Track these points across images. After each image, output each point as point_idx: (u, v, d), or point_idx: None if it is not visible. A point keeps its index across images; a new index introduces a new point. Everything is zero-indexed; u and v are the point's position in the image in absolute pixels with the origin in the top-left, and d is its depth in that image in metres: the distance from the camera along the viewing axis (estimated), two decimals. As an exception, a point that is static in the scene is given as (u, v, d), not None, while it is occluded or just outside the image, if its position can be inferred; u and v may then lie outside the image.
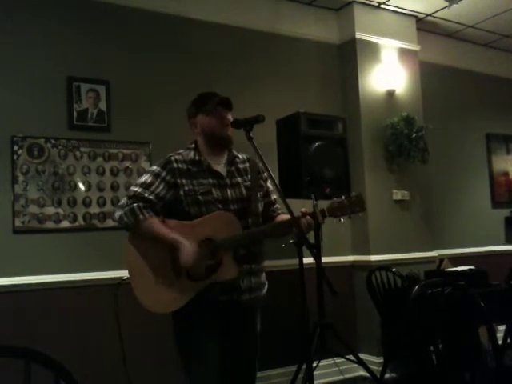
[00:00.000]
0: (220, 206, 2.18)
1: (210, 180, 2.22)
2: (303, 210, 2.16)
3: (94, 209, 3.57)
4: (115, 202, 3.61)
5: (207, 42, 4.17)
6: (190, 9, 4.08)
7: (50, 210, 3.43)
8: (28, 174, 3.40)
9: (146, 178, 2.22)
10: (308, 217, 2.13)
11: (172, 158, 2.25)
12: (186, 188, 2.19)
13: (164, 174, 2.21)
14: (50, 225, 3.42)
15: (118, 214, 2.19)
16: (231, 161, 2.33)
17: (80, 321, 3.40)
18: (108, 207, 3.61)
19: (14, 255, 3.29)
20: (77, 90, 3.60)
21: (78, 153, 3.57)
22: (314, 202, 2.18)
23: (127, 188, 3.65)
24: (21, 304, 3.24)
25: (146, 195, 2.16)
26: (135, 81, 3.82)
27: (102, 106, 3.68)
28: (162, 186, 2.19)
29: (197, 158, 2.26)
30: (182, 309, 2.11)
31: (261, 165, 2.26)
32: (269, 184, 2.39)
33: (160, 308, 2.14)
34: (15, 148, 3.37)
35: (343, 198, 2.11)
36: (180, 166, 2.23)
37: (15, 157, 3.37)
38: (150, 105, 3.84)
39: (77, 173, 3.55)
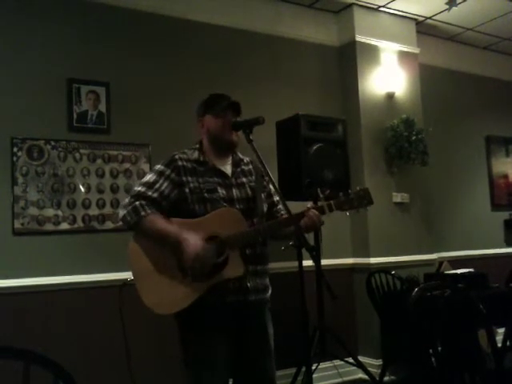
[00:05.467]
0: (225, 204, 2.16)
1: (216, 179, 2.20)
2: (309, 205, 2.14)
3: (94, 211, 3.57)
4: (115, 204, 3.61)
5: (207, 44, 4.17)
6: (190, 11, 4.09)
7: (50, 212, 3.43)
8: (27, 176, 3.39)
9: (149, 177, 2.20)
10: (314, 211, 2.09)
11: (177, 157, 2.22)
12: (192, 185, 2.16)
13: (168, 172, 2.18)
14: (49, 227, 3.42)
15: (121, 213, 2.15)
16: (237, 162, 2.31)
17: (80, 322, 3.40)
18: (107, 209, 3.61)
19: (13, 257, 3.28)
20: (77, 91, 3.60)
21: (77, 154, 3.57)
22: (321, 195, 2.15)
23: (127, 190, 3.64)
24: (20, 306, 3.24)
25: (149, 194, 2.14)
26: (135, 82, 3.83)
27: (102, 107, 3.68)
28: (166, 184, 2.16)
29: (201, 158, 2.24)
30: (187, 310, 2.06)
31: (261, 167, 2.25)
32: (270, 186, 2.37)
33: (164, 309, 2.09)
34: (15, 150, 3.37)
35: (350, 191, 2.08)
36: (185, 163, 2.20)
37: (15, 158, 3.36)
38: (149, 106, 3.84)
39: (76, 175, 3.55)
